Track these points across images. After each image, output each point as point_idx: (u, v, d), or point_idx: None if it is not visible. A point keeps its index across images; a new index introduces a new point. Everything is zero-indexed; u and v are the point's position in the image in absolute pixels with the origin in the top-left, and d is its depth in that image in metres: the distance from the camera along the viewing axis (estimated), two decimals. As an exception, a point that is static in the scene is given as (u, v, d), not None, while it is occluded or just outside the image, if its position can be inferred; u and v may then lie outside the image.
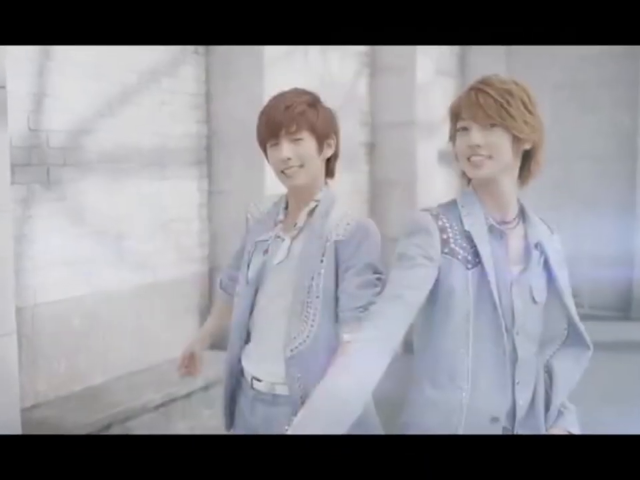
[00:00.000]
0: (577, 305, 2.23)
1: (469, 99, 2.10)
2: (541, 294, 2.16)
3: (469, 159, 2.09)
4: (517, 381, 2.12)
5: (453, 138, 2.17)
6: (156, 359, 4.69)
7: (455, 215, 2.14)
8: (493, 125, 2.07)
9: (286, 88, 2.42)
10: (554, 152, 6.91)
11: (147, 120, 4.59)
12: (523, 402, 2.13)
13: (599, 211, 7.45)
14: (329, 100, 2.43)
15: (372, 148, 6.41)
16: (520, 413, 2.14)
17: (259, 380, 2.42)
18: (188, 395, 4.44)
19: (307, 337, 2.36)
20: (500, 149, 2.08)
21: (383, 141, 6.34)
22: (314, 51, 5.31)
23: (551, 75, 7.60)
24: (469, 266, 2.08)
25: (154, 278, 4.69)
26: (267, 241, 2.48)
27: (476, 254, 2.10)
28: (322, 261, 2.35)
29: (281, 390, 2.37)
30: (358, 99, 6.17)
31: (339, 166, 2.43)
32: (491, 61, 7.75)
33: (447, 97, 6.76)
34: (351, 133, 6.01)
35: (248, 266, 2.48)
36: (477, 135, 2.07)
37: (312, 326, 2.36)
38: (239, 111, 4.87)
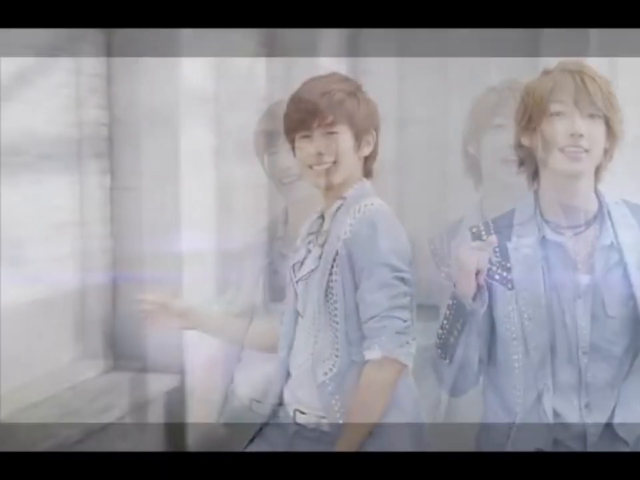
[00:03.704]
0: None
1: (573, 82, 1.88)
2: (616, 306, 1.97)
3: (562, 149, 1.91)
4: (583, 404, 2.00)
5: (529, 126, 1.98)
6: (59, 386, 4.03)
7: (507, 232, 2.03)
8: (592, 116, 1.90)
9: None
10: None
11: (42, 105, 3.92)
12: (594, 429, 1.99)
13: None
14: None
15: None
16: (591, 439, 2.00)
17: (302, 412, 2.21)
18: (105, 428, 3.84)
19: (336, 359, 2.11)
20: (599, 142, 1.93)
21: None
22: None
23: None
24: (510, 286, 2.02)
25: (46, 292, 4.05)
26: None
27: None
28: (333, 267, 2.09)
29: (325, 425, 2.17)
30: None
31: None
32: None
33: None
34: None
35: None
36: (580, 123, 1.89)
37: (338, 345, 2.10)
38: (145, 96, 4.26)
